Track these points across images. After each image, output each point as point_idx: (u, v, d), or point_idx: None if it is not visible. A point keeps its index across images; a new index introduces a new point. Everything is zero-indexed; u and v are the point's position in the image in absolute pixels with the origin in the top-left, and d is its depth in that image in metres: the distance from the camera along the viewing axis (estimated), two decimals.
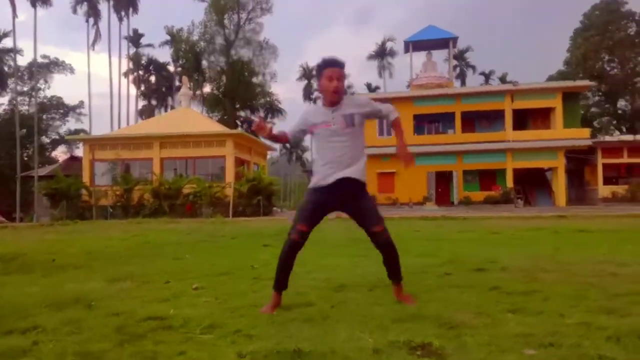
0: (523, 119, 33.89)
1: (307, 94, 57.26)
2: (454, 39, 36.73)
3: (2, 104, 42.16)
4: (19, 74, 42.03)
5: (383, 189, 31.80)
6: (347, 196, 3.33)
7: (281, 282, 3.34)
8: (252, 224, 13.41)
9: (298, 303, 3.41)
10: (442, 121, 34.62)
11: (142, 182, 20.58)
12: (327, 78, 3.23)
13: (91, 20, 41.90)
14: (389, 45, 54.10)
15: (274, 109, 48.11)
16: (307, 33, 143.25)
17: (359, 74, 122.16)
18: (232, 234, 9.93)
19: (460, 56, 53.32)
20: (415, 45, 36.84)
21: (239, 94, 39.79)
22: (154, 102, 48.92)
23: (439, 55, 43.56)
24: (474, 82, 54.32)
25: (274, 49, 42.03)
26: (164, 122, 24.53)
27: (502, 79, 51.78)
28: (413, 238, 8.47)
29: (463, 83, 52.94)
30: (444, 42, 36.85)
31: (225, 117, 39.91)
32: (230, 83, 39.51)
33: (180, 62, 43.40)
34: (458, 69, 54.08)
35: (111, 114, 44.80)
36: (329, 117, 3.29)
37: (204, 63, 41.83)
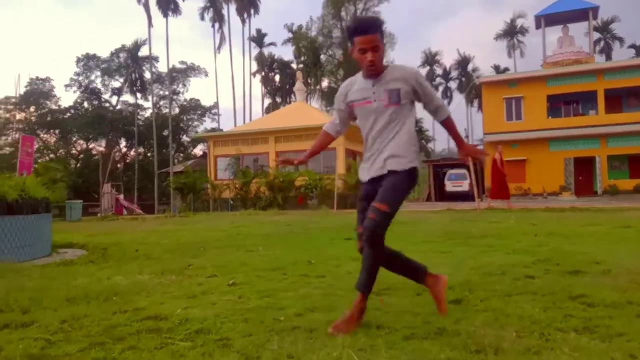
0: None
1: (430, 80, 55.36)
2: (594, 9, 32.58)
3: (148, 107, 46.76)
4: (160, 79, 46.38)
5: (512, 179, 29.34)
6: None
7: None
8: (353, 215, 13.04)
9: (321, 307, 2.98)
10: (582, 101, 31.07)
11: (259, 176, 21.37)
12: (359, 50, 2.62)
13: (216, 25, 44.78)
14: (519, 22, 50.03)
15: None
16: (433, 18, 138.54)
17: (487, 57, 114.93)
18: (326, 225, 9.70)
19: (604, 28, 47.39)
20: (548, 19, 33.40)
21: None
22: (278, 100, 50.91)
23: (578, 29, 39.08)
24: (622, 56, 47.88)
25: (391, 37, 41.16)
26: (279, 117, 25.27)
27: None
28: (521, 232, 7.49)
29: (608, 58, 46.99)
30: (582, 14, 32.90)
31: None
32: (348, 76, 39.25)
33: (302, 58, 44.50)
34: (602, 43, 48.18)
35: (242, 113, 47.53)
36: (369, 92, 2.70)
37: (323, 57, 42.36)
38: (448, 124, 2.86)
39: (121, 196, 24.27)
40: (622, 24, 56.77)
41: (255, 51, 50.55)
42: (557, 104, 31.25)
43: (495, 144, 29.86)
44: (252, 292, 3.47)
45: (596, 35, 47.02)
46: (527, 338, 2.24)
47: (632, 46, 50.20)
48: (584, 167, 29.10)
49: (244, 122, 44.55)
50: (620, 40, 49.25)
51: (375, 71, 2.65)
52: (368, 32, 2.58)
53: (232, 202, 21.04)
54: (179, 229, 10.46)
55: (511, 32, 51.26)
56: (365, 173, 2.78)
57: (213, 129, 45.29)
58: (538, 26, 34.80)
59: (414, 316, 2.72)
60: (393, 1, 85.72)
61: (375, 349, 2.14)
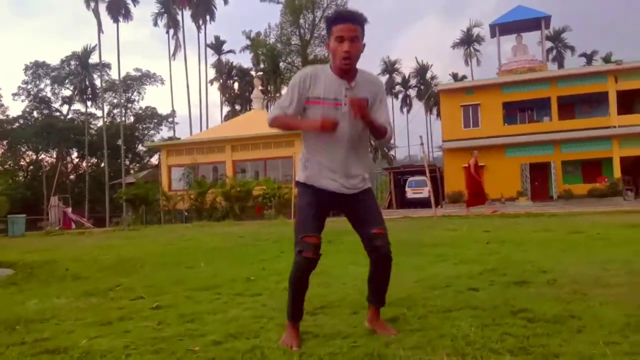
0: (629, 101, 30.16)
1: (389, 88, 55.97)
2: (547, 18, 33.60)
3: (101, 116, 45.25)
4: (113, 86, 45.10)
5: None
6: (348, 200, 2.57)
7: (296, 310, 2.56)
8: None
9: (245, 332, 2.73)
10: (536, 108, 31.87)
11: (215, 186, 20.88)
12: (336, 38, 2.35)
13: (171, 31, 43.97)
14: (475, 31, 51.23)
15: None
16: (394, 28, 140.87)
17: (445, 65, 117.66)
18: (278, 237, 9.39)
19: (556, 37, 49.08)
20: (502, 28, 34.22)
21: None
22: (238, 107, 50.34)
23: (532, 38, 40.27)
24: (573, 64, 49.62)
25: None
26: (235, 126, 24.87)
27: (607, 59, 46.67)
28: (473, 240, 7.41)
29: (561, 66, 48.63)
30: (535, 23, 33.85)
31: None
32: None
33: (261, 66, 44.14)
34: (554, 51, 49.86)
35: (199, 121, 46.72)
36: (341, 94, 2.40)
37: (282, 65, 42.15)
38: (382, 135, 2.56)
39: (69, 209, 23.21)
40: (573, 33, 58.95)
41: (212, 58, 49.96)
42: (513, 111, 31.95)
43: (453, 150, 30.32)
44: (175, 317, 3.17)
45: (549, 44, 48.62)
46: None
47: (583, 55, 52.15)
48: (539, 173, 29.78)
49: (202, 131, 43.87)
50: (572, 49, 51.12)
51: (349, 65, 2.37)
52: (349, 20, 2.36)
53: (186, 214, 20.45)
54: (123, 243, 9.97)
55: (468, 41, 52.42)
56: (333, 184, 2.49)
57: (170, 138, 44.39)
58: (493, 35, 35.62)
59: (342, 339, 2.50)
60: (360, 9, 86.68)
61: None
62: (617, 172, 27.52)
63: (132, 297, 3.92)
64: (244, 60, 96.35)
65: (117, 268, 5.83)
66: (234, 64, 51.05)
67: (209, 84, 49.23)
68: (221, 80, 49.88)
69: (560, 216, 12.11)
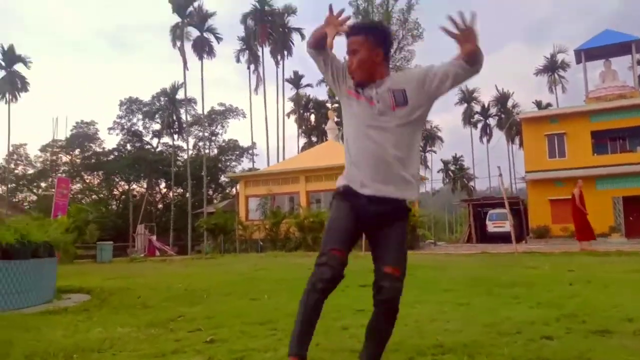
0: None
1: (468, 118, 54.59)
2: (637, 42, 31.48)
3: (186, 149, 47.91)
4: (199, 120, 47.63)
5: (557, 220, 27.96)
6: (383, 218, 2.32)
7: (299, 342, 2.27)
8: None
9: None
10: (629, 137, 29.71)
11: (289, 216, 21.13)
12: (347, 52, 2.34)
13: (252, 66, 45.94)
14: (560, 57, 49.00)
15: (431, 136, 46.66)
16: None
17: (527, 93, 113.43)
18: (348, 269, 9.23)
19: None
20: (588, 53, 32.49)
21: None
22: (314, 139, 51.26)
23: (621, 62, 37.88)
24: None
25: None
26: (310, 157, 25.19)
27: None
28: (554, 280, 6.87)
29: None
30: (624, 47, 31.84)
31: None
32: None
33: (336, 98, 44.64)
34: None
35: (276, 153, 48.00)
36: (372, 92, 2.28)
37: None
38: (466, 55, 2.17)
39: (154, 237, 24.47)
40: None
41: (290, 92, 51.46)
42: (603, 140, 29.96)
43: (537, 182, 28.78)
44: (225, 352, 3.12)
45: None
46: None
47: None
48: (634, 207, 27.47)
49: (278, 162, 44.98)
50: None
51: (360, 76, 2.30)
52: (352, 33, 2.31)
53: (261, 243, 20.81)
54: (198, 272, 10.26)
55: (552, 68, 50.23)
56: (365, 186, 2.29)
57: (249, 169, 45.84)
58: (579, 61, 33.88)
59: None
60: (427, 39, 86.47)
61: None
62: None
63: (190, 328, 3.94)
64: (320, 93, 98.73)
65: (185, 297, 5.95)
66: (311, 96, 52.36)
67: (286, 117, 50.72)
68: (298, 113, 51.21)
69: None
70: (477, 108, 55.26)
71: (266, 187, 23.67)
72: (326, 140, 49.62)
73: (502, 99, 53.62)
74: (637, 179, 27.13)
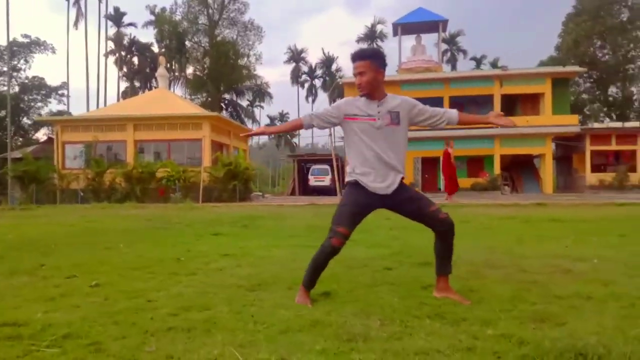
0: (512, 105, 33.44)
1: (296, 77, 56.51)
2: (444, 22, 35.99)
3: None
4: None
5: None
6: (390, 198, 3.12)
7: (312, 282, 3.14)
8: (219, 209, 12.95)
9: (195, 305, 2.96)
10: (431, 106, 34.05)
11: (115, 166, 19.97)
12: (355, 74, 3.08)
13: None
14: (379, 28, 53.25)
15: (262, 92, 47.32)
16: (303, 15, 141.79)
17: (348, 59, 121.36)
18: (190, 220, 9.49)
19: (451, 40, 52.59)
20: (404, 28, 36.09)
21: (223, 76, 38.87)
22: (137, 84, 47.98)
23: (431, 39, 42.91)
24: (465, 67, 53.64)
25: (259, 29, 41.05)
26: (138, 104, 23.80)
27: (494, 64, 51.06)
28: (377, 226, 8.09)
29: (454, 68, 52.30)
30: (433, 25, 36.11)
31: (209, 100, 39.08)
32: (214, 65, 38.56)
33: (165, 42, 42.35)
34: (449, 54, 53.42)
35: (95, 96, 43.88)
36: (374, 111, 3.05)
37: (187, 44, 40.83)
38: (463, 120, 3.31)
39: None
40: (466, 37, 63.78)
41: (111, 31, 46.93)
42: None
43: None
44: (118, 293, 3.32)
45: (444, 46, 51.88)
46: (390, 326, 2.49)
47: (473, 58, 56.38)
48: (430, 167, 32.11)
49: (97, 107, 41.21)
50: (464, 52, 55.05)
51: (366, 92, 3.04)
52: (354, 59, 3.08)
53: (82, 194, 19.36)
54: (21, 223, 9.45)
55: (371, 37, 54.36)
56: (381, 187, 3.05)
57: (60, 112, 41.18)
58: (395, 34, 37.39)
59: (287, 310, 2.85)
60: None
61: (255, 344, 2.22)
62: (497, 169, 30.47)
63: (64, 275, 3.96)
64: (146, 36, 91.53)
65: (29, 248, 5.66)
66: (134, 37, 48.47)
67: (106, 58, 46.27)
68: (119, 54, 47.09)
69: (450, 207, 13.37)
70: (305, 68, 57.49)
71: (89, 134, 21.79)
72: (151, 87, 46.98)
73: (327, 62, 56.55)
74: (434, 142, 31.55)
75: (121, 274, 4.03)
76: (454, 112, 3.32)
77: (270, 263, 4.54)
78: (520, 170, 32.43)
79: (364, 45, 55.38)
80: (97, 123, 22.07)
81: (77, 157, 21.26)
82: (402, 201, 3.12)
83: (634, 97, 44.34)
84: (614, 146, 30.94)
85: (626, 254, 4.64)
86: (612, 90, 45.12)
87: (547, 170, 31.05)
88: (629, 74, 43.05)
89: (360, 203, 3.09)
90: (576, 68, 33.28)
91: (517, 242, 5.79)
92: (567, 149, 33.34)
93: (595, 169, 31.21)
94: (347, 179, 3.21)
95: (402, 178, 3.14)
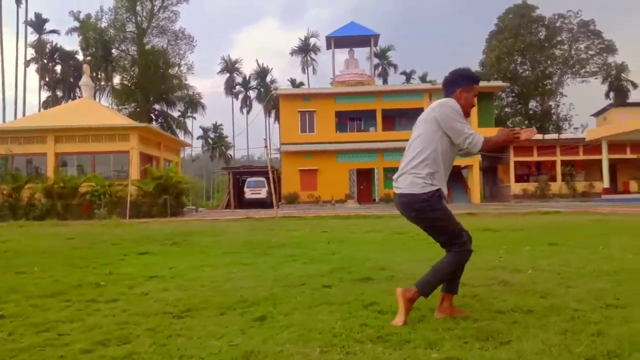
0: None
1: (230, 88, 55.77)
2: (375, 37, 36.88)
3: None
4: None
5: (305, 187, 31.33)
6: None
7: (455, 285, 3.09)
8: (148, 225, 12.33)
9: (114, 339, 2.65)
10: (364, 118, 34.72)
11: (34, 180, 18.59)
12: (474, 94, 3.06)
13: None
14: (312, 41, 53.73)
15: (194, 103, 46.20)
16: (236, 26, 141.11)
17: (284, 70, 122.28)
18: (116, 238, 8.91)
19: (382, 55, 53.97)
20: (337, 41, 36.62)
21: (152, 85, 37.56)
22: (59, 94, 45.41)
23: (363, 53, 43.79)
24: (395, 81, 55.24)
25: (190, 39, 40.12)
26: (60, 114, 22.39)
27: (423, 79, 52.98)
28: (315, 240, 7.95)
29: (385, 82, 53.64)
30: (365, 39, 36.91)
31: (137, 110, 37.57)
32: (143, 74, 37.18)
33: (90, 50, 40.39)
34: (380, 68, 54.74)
35: (13, 106, 41.08)
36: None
37: (114, 52, 39.16)
38: (488, 148, 3.10)
39: None
40: (397, 52, 65.84)
41: (32, 37, 44.17)
42: (344, 120, 34.34)
43: (290, 153, 31.53)
44: (26, 327, 2.93)
45: (376, 60, 53.13)
46: (330, 353, 2.31)
47: (403, 73, 58.15)
48: (365, 178, 32.57)
49: (15, 117, 38.53)
50: (395, 66, 56.66)
51: (469, 114, 3.08)
52: (479, 81, 3.15)
53: None
54: None
55: (305, 49, 54.74)
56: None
57: None
58: (329, 47, 37.87)
59: (218, 339, 2.60)
60: (193, 2, 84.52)
61: None
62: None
63: None
64: (70, 43, 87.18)
65: None
66: (57, 45, 45.88)
67: (24, 65, 43.42)
68: (41, 62, 44.39)
69: (385, 218, 13.51)
70: (239, 79, 56.83)
71: (4, 146, 20.18)
72: (75, 96, 44.53)
73: (262, 73, 56.23)
74: (368, 154, 32.11)
75: (33, 303, 3.61)
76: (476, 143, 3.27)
77: (201, 285, 4.24)
78: (449, 180, 33.46)
79: (298, 58, 55.76)
80: (14, 135, 20.51)
81: None
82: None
83: (552, 111, 47.35)
84: (535, 157, 32.76)
85: (559, 263, 4.74)
86: (532, 104, 47.99)
87: (475, 181, 32.36)
88: (546, 89, 45.97)
89: None
90: (499, 83, 35.10)
91: None
92: (492, 160, 34.93)
93: (519, 178, 32.90)
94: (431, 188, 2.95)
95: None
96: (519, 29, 44.05)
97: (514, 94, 47.43)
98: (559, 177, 32.18)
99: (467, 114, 3.04)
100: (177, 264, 5.57)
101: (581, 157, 32.07)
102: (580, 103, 69.35)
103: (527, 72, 46.19)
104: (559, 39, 45.30)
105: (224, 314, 3.19)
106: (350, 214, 15.19)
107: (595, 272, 4.16)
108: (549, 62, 45.55)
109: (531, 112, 47.93)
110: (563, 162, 32.24)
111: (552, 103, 47.23)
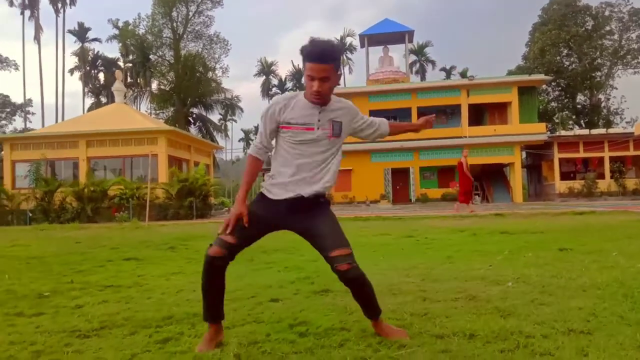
0: (480, 114, 33.49)
1: (266, 90, 56.10)
2: (410, 33, 36.02)
3: None
4: None
5: (339, 187, 30.92)
6: (303, 212, 2.55)
7: (211, 311, 2.56)
8: (163, 229, 12.27)
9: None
10: (399, 117, 33.94)
11: (65, 184, 19.10)
12: (307, 75, 2.39)
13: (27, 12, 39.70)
14: (348, 40, 53.22)
15: (232, 106, 46.70)
16: (280, 31, 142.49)
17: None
18: (119, 242, 8.82)
19: (420, 51, 52.84)
20: (371, 39, 36.03)
21: (189, 89, 38.18)
22: (104, 100, 46.97)
23: (399, 50, 42.96)
24: (434, 77, 53.92)
25: (225, 42, 40.52)
26: (92, 119, 23.00)
27: (463, 74, 51.42)
28: (307, 245, 7.54)
29: (423, 78, 52.48)
30: (400, 36, 36.12)
31: (174, 115, 38.32)
32: (180, 78, 37.85)
33: (130, 57, 41.55)
34: (418, 65, 53.61)
35: (55, 113, 42.82)
36: (314, 119, 2.46)
37: (152, 58, 40.06)
38: (394, 129, 2.93)
39: None
40: (435, 48, 64.43)
41: (74, 46, 45.92)
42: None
43: None
44: None
45: (413, 57, 52.12)
46: None
47: (443, 69, 56.77)
48: (400, 177, 31.82)
49: (57, 123, 40.05)
50: (433, 63, 55.35)
51: (321, 102, 2.45)
52: (320, 60, 2.34)
53: (30, 215, 18.44)
54: None
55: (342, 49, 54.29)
56: (283, 191, 2.50)
57: (22, 130, 40.04)
58: (363, 45, 37.30)
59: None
60: (227, 7, 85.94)
61: None
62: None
63: None
64: (110, 50, 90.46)
65: None
66: (99, 53, 47.53)
67: (68, 73, 45.16)
68: (84, 70, 46.08)
69: (406, 219, 12.91)
70: (275, 81, 57.14)
71: (39, 152, 20.88)
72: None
73: (297, 74, 56.27)
74: (404, 153, 31.37)
75: None
76: (385, 123, 2.87)
77: (148, 297, 3.96)
78: (490, 179, 32.34)
79: None
80: (48, 140, 21.21)
81: (26, 176, 20.35)
82: (312, 223, 2.62)
83: (602, 104, 44.94)
84: (582, 153, 31.06)
85: (550, 273, 4.18)
86: (580, 98, 45.71)
87: (517, 179, 31.01)
88: (595, 82, 43.63)
89: (265, 214, 2.58)
90: (541, 76, 33.54)
91: (445, 260, 5.29)
92: (536, 157, 33.43)
93: (564, 176, 31.29)
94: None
95: (323, 194, 2.59)
96: (564, 20, 42.01)
97: (560, 88, 45.29)
98: (607, 174, 30.36)
99: (314, 102, 2.45)
100: (150, 271, 5.34)
101: (631, 152, 30.14)
102: (633, 96, 65.71)
103: (573, 65, 43.98)
104: (607, 28, 42.89)
105: (135, 333, 2.88)
106: (370, 215, 14.69)
107: (584, 286, 3.59)
108: (597, 53, 43.19)
109: (579, 106, 45.65)
110: (612, 159, 30.38)
111: (601, 96, 44.82)
